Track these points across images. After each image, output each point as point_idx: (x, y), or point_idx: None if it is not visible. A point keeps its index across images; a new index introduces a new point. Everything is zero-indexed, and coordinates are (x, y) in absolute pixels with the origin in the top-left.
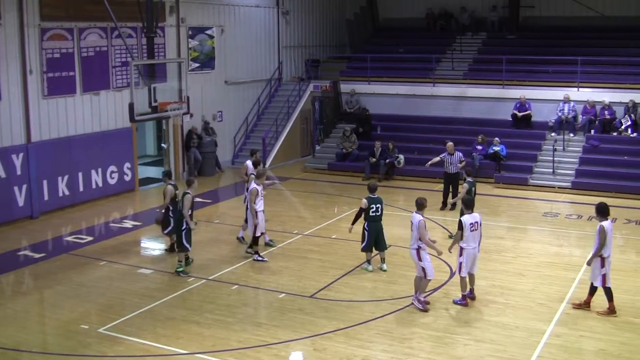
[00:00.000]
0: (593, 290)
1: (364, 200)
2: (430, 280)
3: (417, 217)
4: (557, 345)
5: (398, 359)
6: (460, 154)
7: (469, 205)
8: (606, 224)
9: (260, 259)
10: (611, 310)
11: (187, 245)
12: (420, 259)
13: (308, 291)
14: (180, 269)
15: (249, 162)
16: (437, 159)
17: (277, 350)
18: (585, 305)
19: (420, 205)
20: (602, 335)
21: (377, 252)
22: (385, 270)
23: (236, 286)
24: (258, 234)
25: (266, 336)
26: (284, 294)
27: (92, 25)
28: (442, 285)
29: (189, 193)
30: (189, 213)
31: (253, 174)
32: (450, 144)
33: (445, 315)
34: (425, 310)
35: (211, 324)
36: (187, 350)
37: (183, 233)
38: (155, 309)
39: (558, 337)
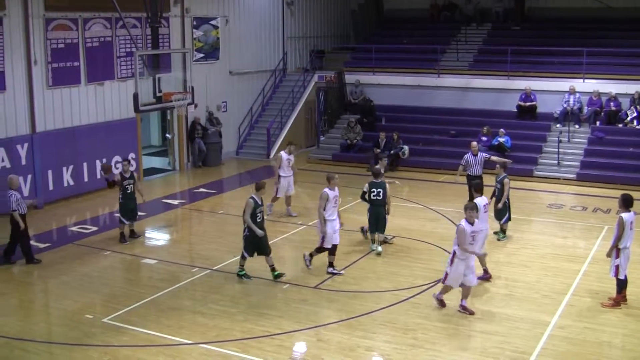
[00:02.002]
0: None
1: (366, 184)
2: (446, 286)
3: (461, 221)
4: (561, 337)
5: (401, 350)
6: (485, 154)
7: (478, 189)
8: (626, 215)
9: (336, 271)
10: (616, 303)
11: (245, 253)
12: (451, 264)
13: (312, 282)
14: (242, 272)
15: (283, 153)
16: (462, 165)
17: (280, 340)
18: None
19: (464, 209)
20: (606, 327)
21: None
22: (378, 252)
23: None
24: (328, 245)
25: (270, 326)
26: (287, 285)
27: (96, 15)
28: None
29: (252, 197)
30: (252, 219)
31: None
32: (474, 143)
33: (449, 306)
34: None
35: (215, 314)
36: (191, 340)
37: (243, 239)
38: (160, 299)
39: (562, 329)
